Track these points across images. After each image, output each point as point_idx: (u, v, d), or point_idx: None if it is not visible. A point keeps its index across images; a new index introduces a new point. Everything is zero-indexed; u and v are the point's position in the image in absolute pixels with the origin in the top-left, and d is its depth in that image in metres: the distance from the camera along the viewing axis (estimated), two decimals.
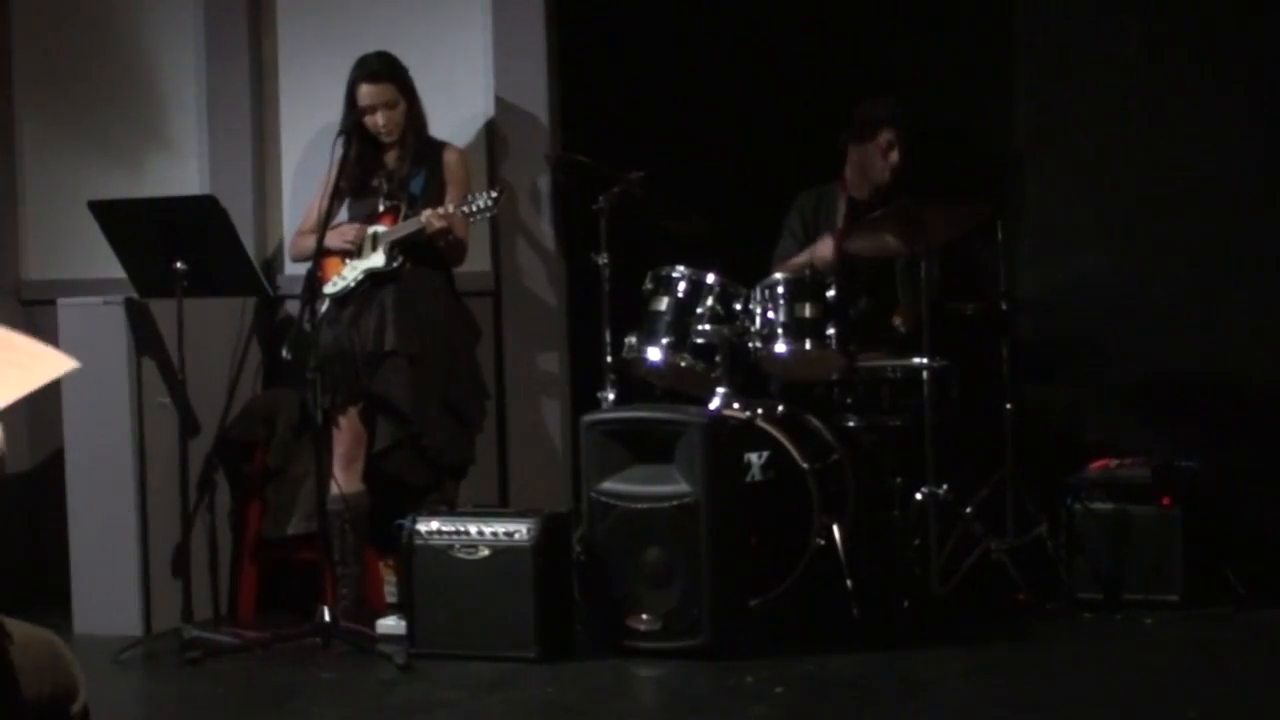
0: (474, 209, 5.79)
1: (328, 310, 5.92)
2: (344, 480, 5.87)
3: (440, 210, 5.82)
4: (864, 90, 6.32)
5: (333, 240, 5.89)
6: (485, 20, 6.43)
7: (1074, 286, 6.35)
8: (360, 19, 6.49)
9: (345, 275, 5.95)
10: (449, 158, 6.06)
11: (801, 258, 6.13)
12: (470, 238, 6.04)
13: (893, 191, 6.10)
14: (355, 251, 5.94)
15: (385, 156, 6.04)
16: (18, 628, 2.36)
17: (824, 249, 6.12)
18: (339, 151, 5.85)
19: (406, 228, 5.90)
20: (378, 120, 5.94)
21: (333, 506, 5.78)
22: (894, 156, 6.17)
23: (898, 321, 6.19)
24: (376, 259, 5.92)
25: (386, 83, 5.94)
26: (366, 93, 5.93)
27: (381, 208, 6.00)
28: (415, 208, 5.93)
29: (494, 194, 5.82)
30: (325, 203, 5.83)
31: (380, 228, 5.96)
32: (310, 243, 5.87)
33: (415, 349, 5.89)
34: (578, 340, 6.39)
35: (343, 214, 6.07)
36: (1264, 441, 6.06)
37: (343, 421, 5.90)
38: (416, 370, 5.89)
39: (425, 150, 6.04)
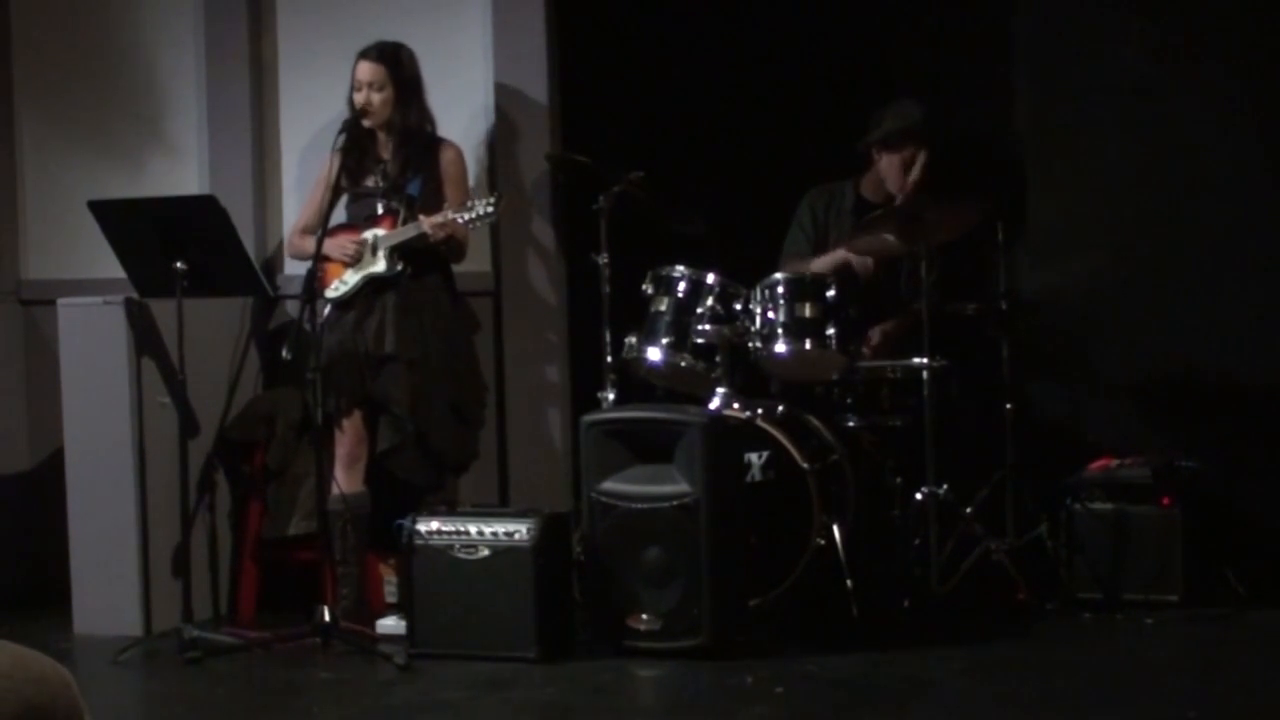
0: (473, 216, 5.78)
1: (329, 314, 5.93)
2: (345, 481, 5.87)
3: (439, 219, 5.81)
4: (863, 90, 6.31)
5: (331, 250, 5.89)
6: (485, 21, 6.43)
7: (1074, 286, 6.34)
8: (360, 19, 6.48)
9: (346, 280, 5.94)
10: (446, 156, 6.05)
11: (823, 263, 6.10)
12: (470, 236, 6.04)
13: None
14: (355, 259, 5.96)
15: (379, 149, 6.03)
16: (34, 659, 2.30)
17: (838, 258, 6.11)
18: (338, 149, 5.86)
19: (405, 233, 5.89)
20: (361, 98, 5.94)
21: (333, 506, 5.79)
22: (917, 172, 6.16)
23: (873, 337, 6.14)
24: (378, 265, 5.92)
25: (379, 64, 5.96)
26: (360, 68, 5.97)
27: (380, 210, 6.00)
28: (413, 210, 5.93)
29: (492, 200, 5.82)
30: (326, 196, 5.84)
31: (379, 231, 5.95)
32: (308, 244, 5.88)
33: (415, 354, 5.88)
34: (578, 340, 6.39)
35: (339, 214, 6.07)
36: (1264, 441, 6.06)
37: (345, 424, 5.90)
38: (416, 374, 5.88)
39: (422, 150, 6.03)
